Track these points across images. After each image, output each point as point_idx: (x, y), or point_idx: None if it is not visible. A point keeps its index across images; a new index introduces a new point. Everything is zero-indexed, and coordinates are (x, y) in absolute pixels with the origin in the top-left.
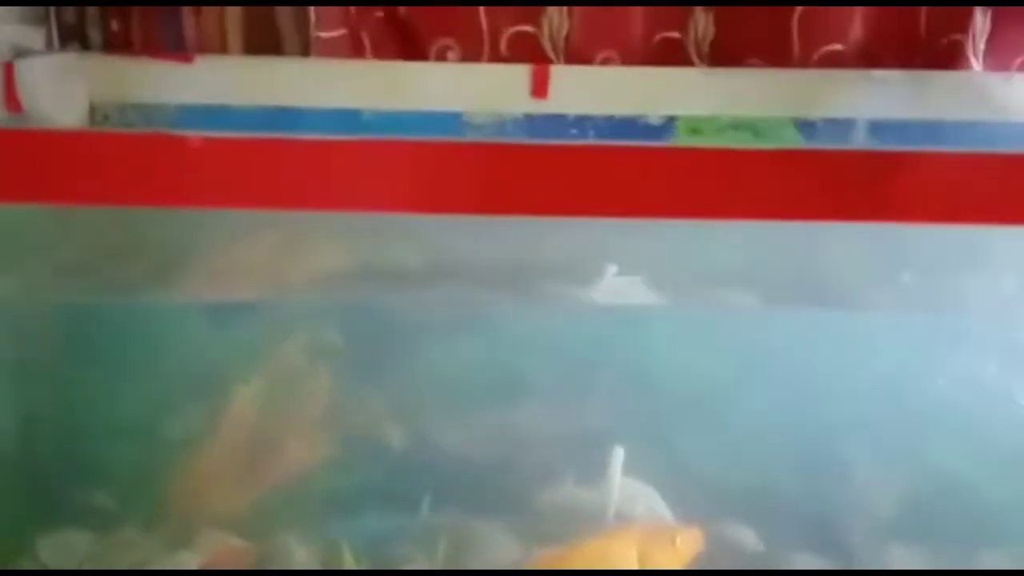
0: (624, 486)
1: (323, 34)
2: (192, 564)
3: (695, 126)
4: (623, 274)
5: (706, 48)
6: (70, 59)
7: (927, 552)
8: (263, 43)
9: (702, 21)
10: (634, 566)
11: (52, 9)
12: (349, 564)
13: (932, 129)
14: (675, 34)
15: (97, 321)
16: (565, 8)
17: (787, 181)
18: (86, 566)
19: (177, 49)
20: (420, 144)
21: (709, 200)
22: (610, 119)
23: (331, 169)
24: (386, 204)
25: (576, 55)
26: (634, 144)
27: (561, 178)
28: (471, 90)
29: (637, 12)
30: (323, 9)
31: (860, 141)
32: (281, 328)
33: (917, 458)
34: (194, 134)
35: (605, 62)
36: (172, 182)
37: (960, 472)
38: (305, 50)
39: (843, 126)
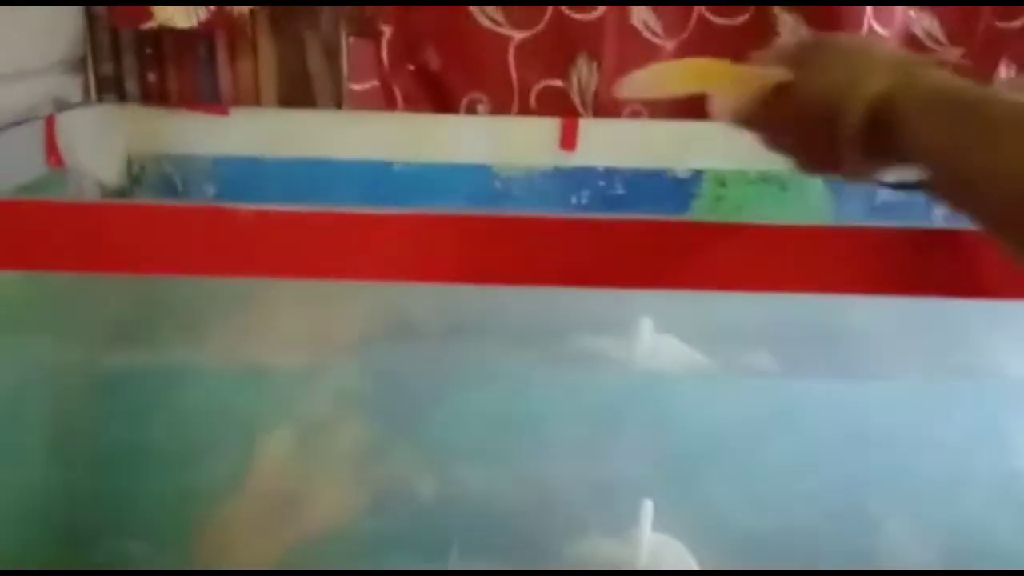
0: (652, 540)
1: (355, 86)
2: None
3: (722, 179)
4: (653, 333)
5: None
6: (108, 111)
7: None
8: (297, 95)
9: None
10: None
11: (89, 60)
12: None
13: None
14: None
15: (131, 381)
16: (594, 62)
17: (814, 256)
18: None
19: (213, 101)
20: (458, 218)
21: (736, 273)
22: (637, 172)
23: (371, 241)
24: (422, 275)
25: (604, 108)
26: (662, 218)
27: (591, 250)
28: (500, 143)
29: None
30: (355, 61)
31: (886, 193)
32: (311, 383)
33: (944, 518)
34: (245, 207)
35: (633, 115)
36: (218, 253)
37: (988, 531)
38: (338, 102)
39: None
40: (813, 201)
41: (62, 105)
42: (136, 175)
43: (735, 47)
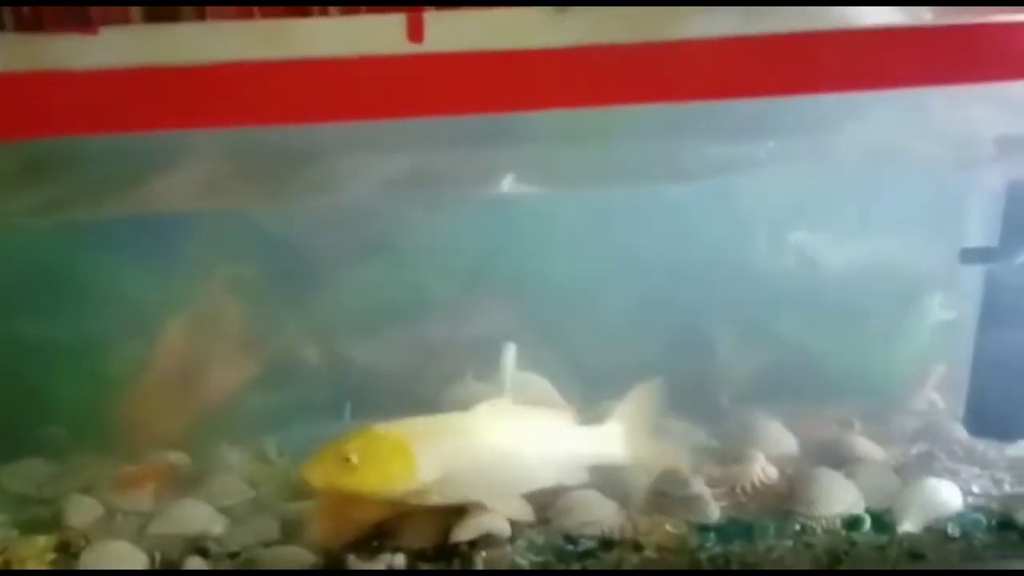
0: (517, 378)
1: None
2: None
3: None
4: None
5: None
6: None
7: (781, 410)
8: (161, 13)
9: None
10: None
11: None
12: (275, 459)
13: None
14: None
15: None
16: None
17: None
18: (45, 489)
19: (84, 23)
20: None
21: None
22: None
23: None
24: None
25: None
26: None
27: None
28: (350, 40)
29: None
30: None
31: None
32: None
33: (766, 327)
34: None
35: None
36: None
37: (802, 339)
38: (200, 15)
39: None
40: None
41: None
42: None
43: None
